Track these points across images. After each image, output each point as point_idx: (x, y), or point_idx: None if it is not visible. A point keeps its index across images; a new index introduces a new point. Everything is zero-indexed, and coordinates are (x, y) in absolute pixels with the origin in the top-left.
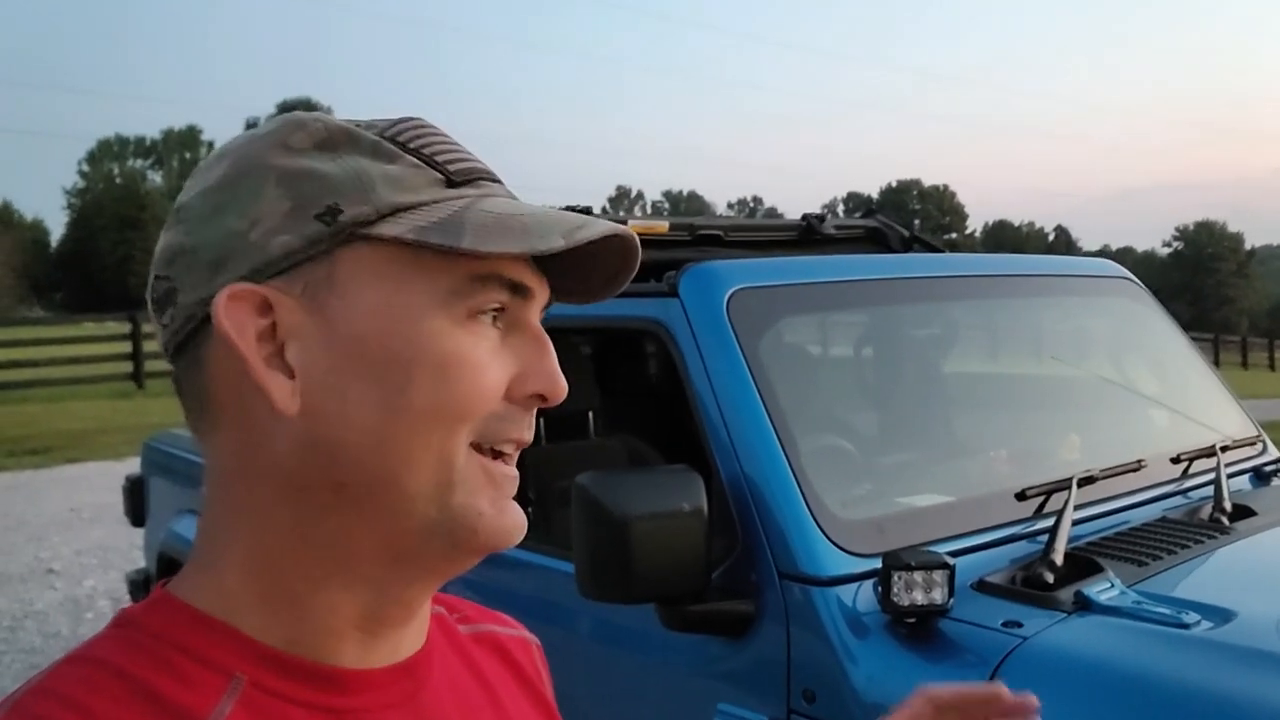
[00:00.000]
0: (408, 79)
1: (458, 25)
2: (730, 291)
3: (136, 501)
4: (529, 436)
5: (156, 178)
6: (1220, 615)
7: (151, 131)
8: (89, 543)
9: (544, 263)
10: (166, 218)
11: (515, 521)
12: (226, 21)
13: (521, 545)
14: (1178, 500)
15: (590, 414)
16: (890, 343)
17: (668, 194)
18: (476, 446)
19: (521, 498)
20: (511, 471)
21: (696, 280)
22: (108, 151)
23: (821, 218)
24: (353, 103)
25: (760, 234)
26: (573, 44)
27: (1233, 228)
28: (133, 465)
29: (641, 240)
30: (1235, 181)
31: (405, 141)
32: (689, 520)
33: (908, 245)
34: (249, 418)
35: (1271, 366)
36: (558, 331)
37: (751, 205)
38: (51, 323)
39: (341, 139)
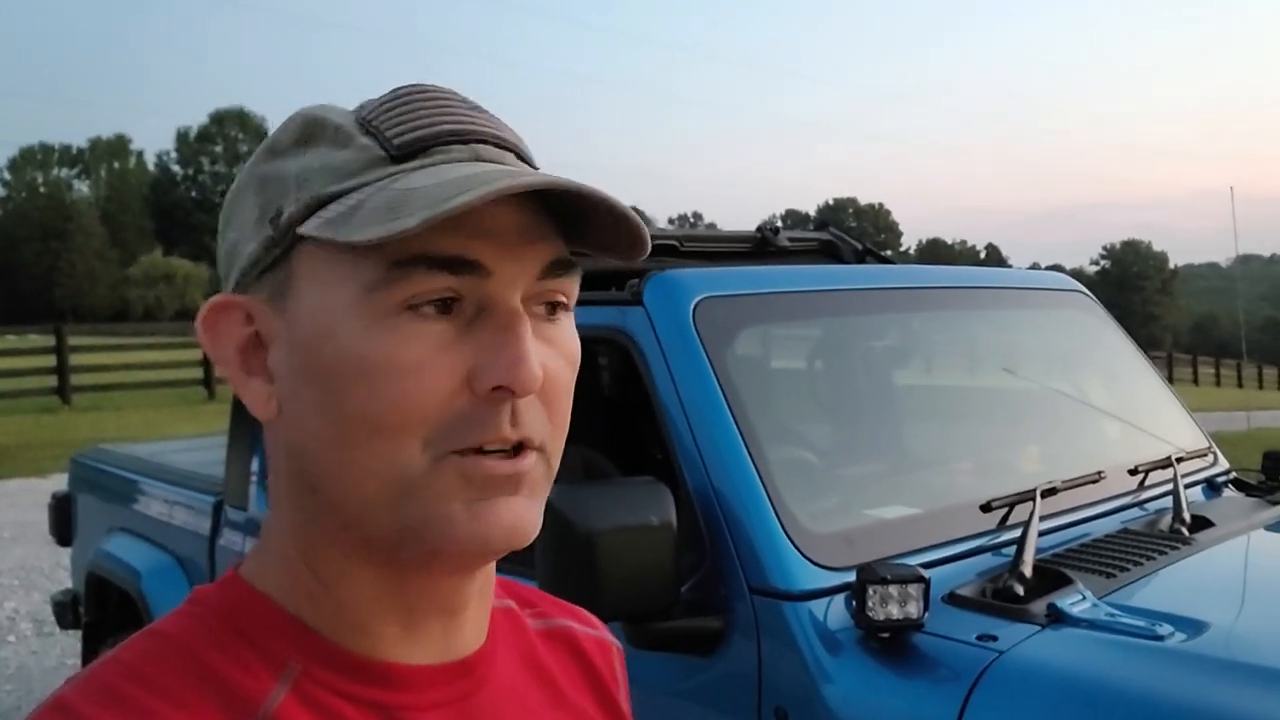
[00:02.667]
0: (337, 85)
1: (381, 33)
2: (696, 300)
3: (63, 519)
4: (515, 433)
5: (83, 187)
6: (1193, 627)
7: (78, 139)
8: (10, 562)
9: (567, 225)
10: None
11: (501, 522)
12: (160, 27)
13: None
14: (1136, 512)
15: None
16: (852, 353)
17: None
18: (459, 450)
19: None
20: (501, 469)
21: (662, 288)
22: (31, 159)
23: (776, 230)
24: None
25: (715, 245)
26: (511, 57)
27: (1157, 247)
28: (58, 482)
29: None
30: (1158, 202)
31: (372, 118)
32: (657, 534)
33: (860, 258)
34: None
35: (1195, 381)
36: None
37: (691, 220)
38: None
39: (315, 131)
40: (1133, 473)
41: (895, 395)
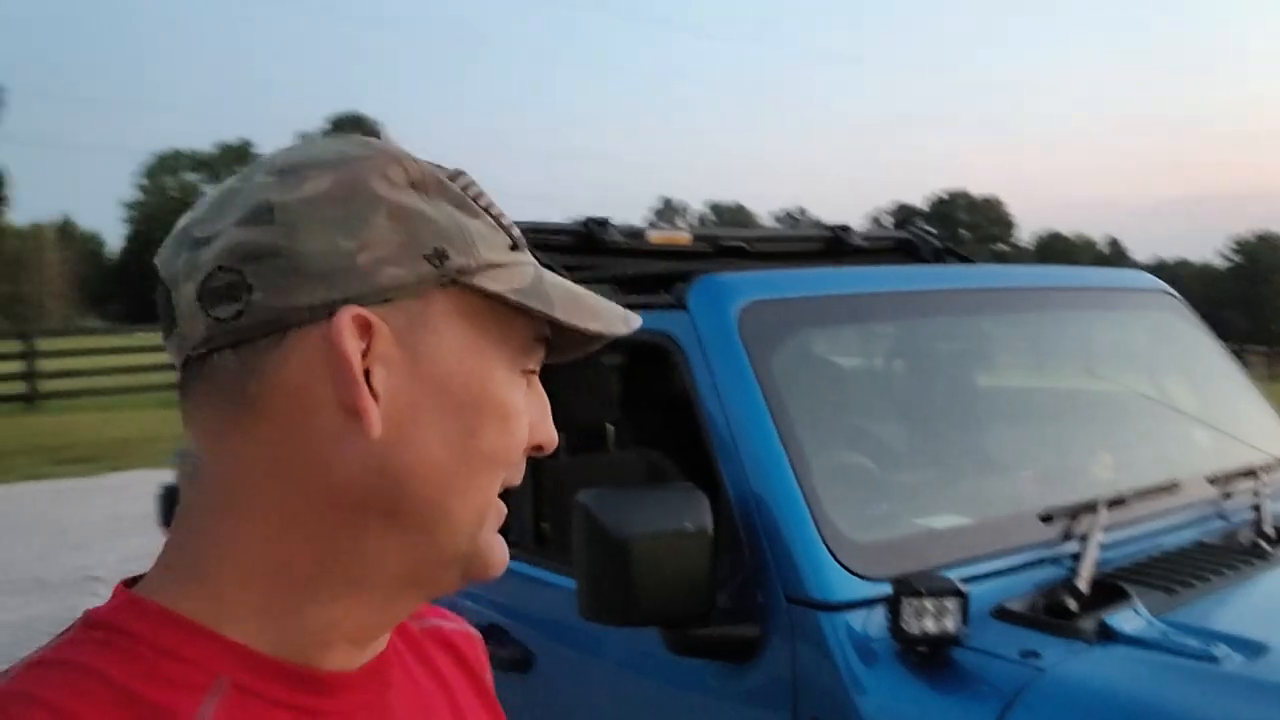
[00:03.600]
0: (455, 95)
1: (503, 41)
2: (741, 304)
3: (171, 510)
4: (519, 481)
5: (210, 191)
6: (1252, 649)
7: (205, 146)
8: (131, 550)
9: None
10: (237, 209)
11: (507, 554)
12: (277, 37)
13: (540, 563)
14: (1214, 524)
15: (609, 427)
16: (910, 357)
17: (713, 206)
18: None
19: (539, 511)
20: (503, 509)
21: (706, 292)
22: (164, 165)
23: (848, 229)
24: (403, 118)
25: (786, 245)
26: (620, 59)
27: None
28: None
29: (663, 252)
30: None
31: (475, 197)
32: (692, 540)
33: (940, 257)
34: (308, 432)
35: None
36: None
37: (796, 216)
38: (105, 333)
39: (433, 185)
40: (1212, 482)
41: (956, 400)
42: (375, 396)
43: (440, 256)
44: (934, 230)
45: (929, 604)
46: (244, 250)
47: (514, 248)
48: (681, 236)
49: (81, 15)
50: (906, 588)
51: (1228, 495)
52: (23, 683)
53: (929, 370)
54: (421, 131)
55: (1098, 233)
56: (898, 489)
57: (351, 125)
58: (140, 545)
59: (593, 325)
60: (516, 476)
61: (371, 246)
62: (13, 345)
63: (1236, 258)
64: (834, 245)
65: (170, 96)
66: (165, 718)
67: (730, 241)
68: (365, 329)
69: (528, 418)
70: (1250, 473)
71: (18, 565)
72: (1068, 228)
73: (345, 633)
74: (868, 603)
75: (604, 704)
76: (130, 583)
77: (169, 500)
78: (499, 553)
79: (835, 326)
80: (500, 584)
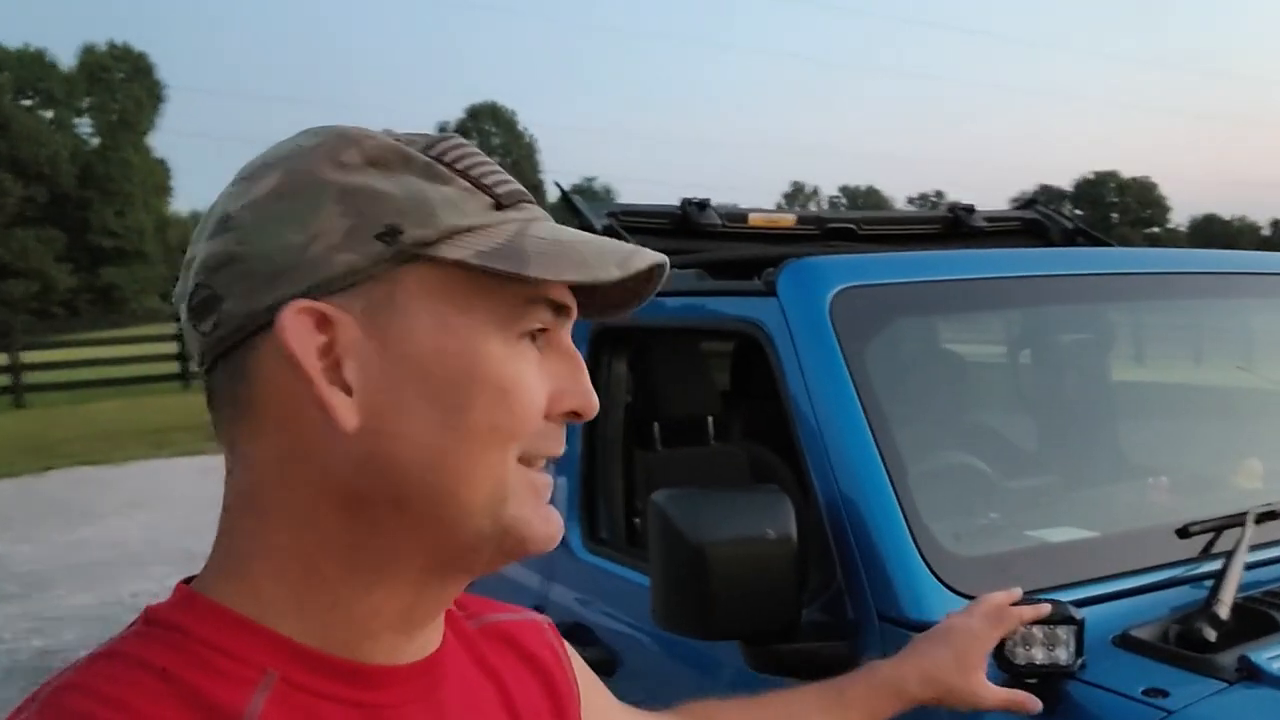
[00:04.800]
0: (588, 83)
1: (637, 29)
2: (835, 290)
3: None
4: (561, 449)
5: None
6: None
7: None
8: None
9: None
10: (208, 225)
11: (558, 525)
12: (421, 29)
13: (629, 563)
14: None
15: (710, 419)
16: (1029, 348)
17: (844, 189)
18: (522, 459)
19: (631, 507)
20: (548, 479)
21: (797, 278)
22: None
23: (970, 209)
24: (536, 107)
25: (900, 227)
26: (755, 42)
27: None
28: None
29: (766, 234)
30: None
31: (452, 162)
32: (775, 548)
33: (1071, 238)
34: (301, 429)
35: None
36: (666, 332)
37: (933, 199)
38: None
39: (394, 158)
40: None
41: (1079, 398)
42: (350, 388)
43: (394, 232)
44: (1069, 212)
45: (1038, 631)
46: (210, 263)
47: (500, 206)
48: (785, 218)
49: (235, 11)
50: None
51: None
52: (84, 676)
53: (1049, 363)
54: (558, 122)
55: (1262, 215)
56: (1010, 496)
57: (488, 114)
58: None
59: (571, 276)
60: (546, 447)
61: (321, 236)
62: (174, 328)
63: None
64: (953, 226)
65: (319, 90)
66: (218, 711)
67: (838, 223)
68: (323, 321)
69: (540, 385)
70: None
71: (169, 538)
72: (1227, 210)
73: (387, 622)
74: None
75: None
76: (189, 580)
77: None
78: (538, 526)
79: (941, 315)
80: (588, 582)
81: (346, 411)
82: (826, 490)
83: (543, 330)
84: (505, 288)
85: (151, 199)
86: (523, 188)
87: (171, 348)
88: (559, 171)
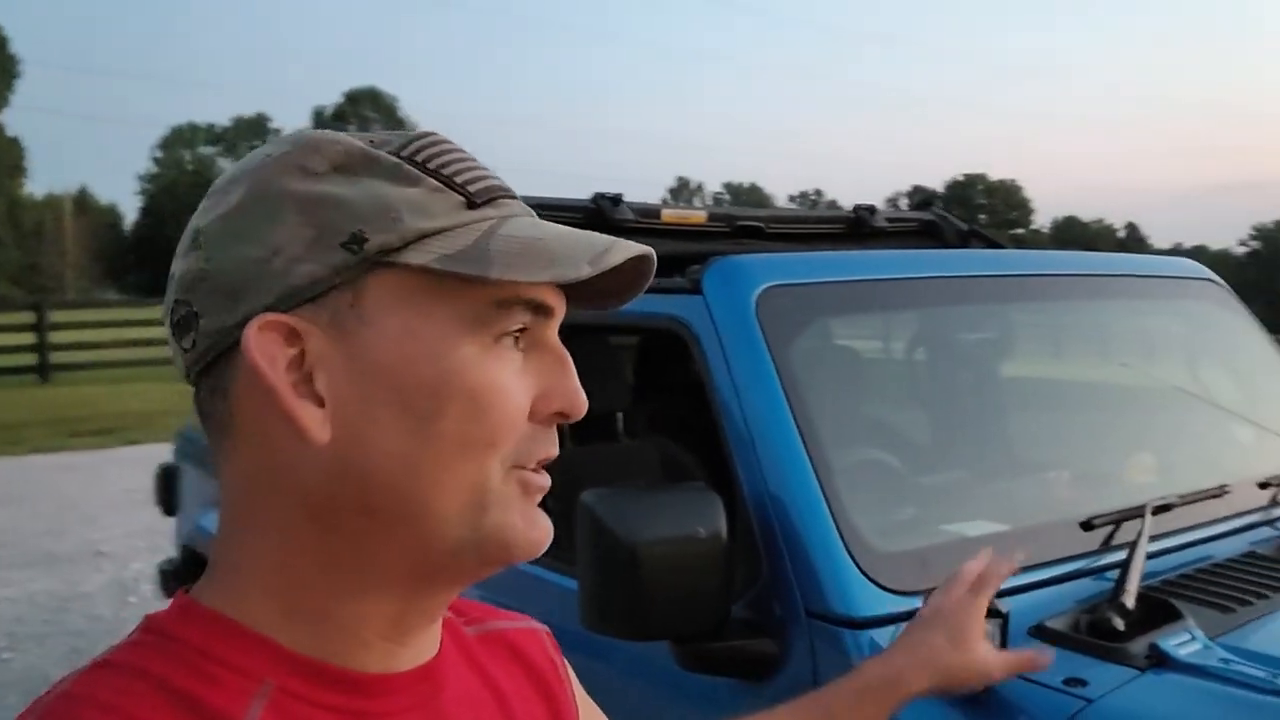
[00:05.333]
0: (474, 71)
1: (525, 16)
2: (760, 289)
3: (168, 490)
4: (555, 451)
5: (226, 164)
6: None
7: (221, 119)
8: (139, 525)
9: None
10: (185, 240)
11: (546, 530)
12: (295, 10)
13: (540, 563)
14: (1266, 532)
15: (620, 415)
16: (939, 348)
17: (729, 185)
18: (519, 465)
19: (544, 504)
20: (544, 480)
21: (722, 276)
22: (180, 138)
23: (872, 210)
24: (418, 93)
25: (806, 226)
26: (641, 35)
27: None
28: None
29: (677, 231)
30: None
31: (424, 161)
32: (706, 547)
33: (965, 240)
34: (274, 444)
35: None
36: (581, 329)
37: (813, 198)
38: (120, 305)
39: (360, 162)
40: (1264, 486)
41: (987, 396)
42: (322, 400)
43: (358, 241)
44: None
45: None
46: (185, 280)
47: (472, 205)
48: (696, 215)
49: None
50: None
51: (1277, 501)
52: (82, 684)
53: (957, 361)
54: (439, 109)
55: (1117, 218)
56: (925, 492)
57: (367, 100)
58: (149, 520)
59: (538, 275)
60: (536, 451)
61: (284, 248)
62: (26, 317)
63: (1255, 244)
64: (856, 226)
65: (186, 69)
66: (215, 719)
67: (747, 221)
68: (292, 334)
69: (520, 387)
70: None
71: (26, 538)
72: (1086, 212)
73: (378, 630)
74: (896, 619)
75: (612, 717)
76: (188, 588)
77: (166, 480)
78: (521, 533)
79: (858, 314)
80: (501, 583)
81: (316, 424)
82: (753, 487)
83: (522, 331)
84: (473, 291)
85: (4, 180)
86: (501, 183)
87: (28, 338)
88: None
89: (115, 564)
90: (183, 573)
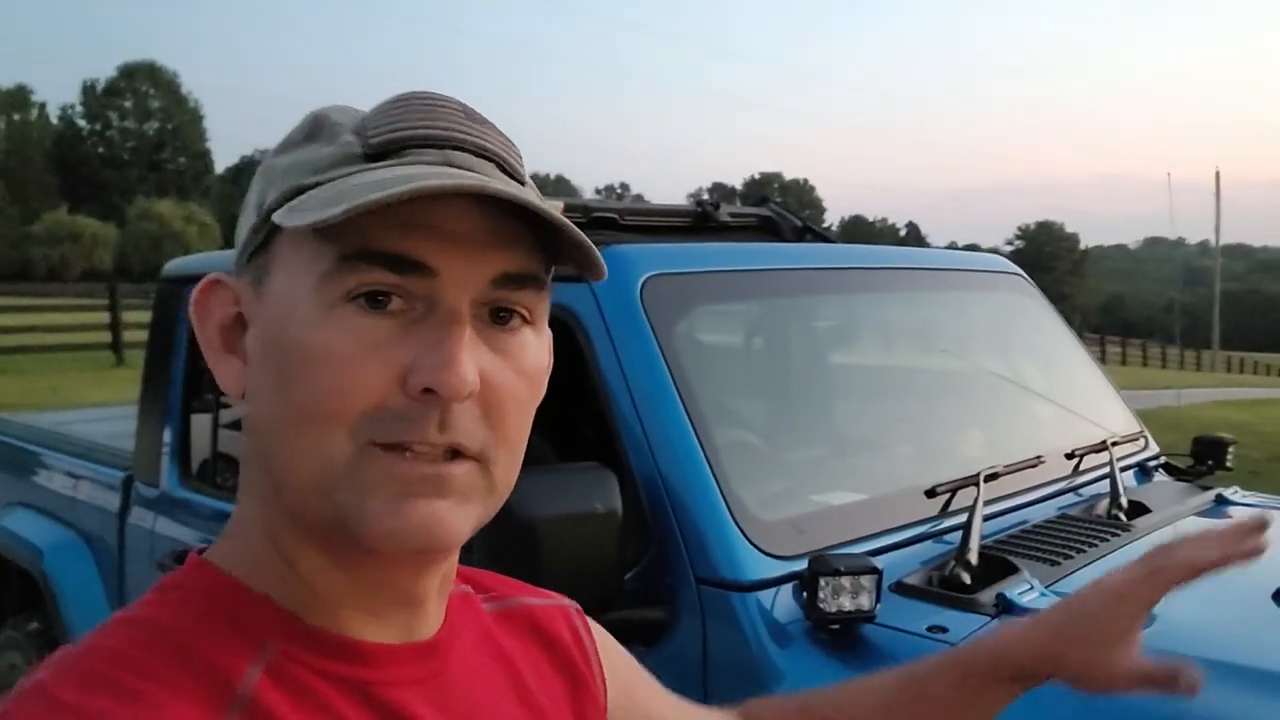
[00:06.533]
0: (261, 48)
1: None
2: (644, 278)
3: None
4: (442, 438)
5: None
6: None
7: None
8: None
9: (544, 239)
10: None
11: (417, 520)
12: None
13: None
14: (1072, 497)
15: None
16: (796, 334)
17: (534, 176)
18: (385, 444)
19: None
20: (423, 470)
21: (608, 265)
22: None
23: (716, 204)
24: (201, 70)
25: (656, 219)
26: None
27: (1069, 229)
28: None
29: None
30: (1070, 185)
31: (368, 119)
32: (601, 522)
33: (800, 235)
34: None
35: (1103, 359)
36: None
37: (619, 192)
38: None
39: (317, 129)
40: (1069, 457)
41: (837, 377)
42: (246, 357)
43: (263, 203)
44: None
45: (846, 582)
46: None
47: (370, 158)
48: (554, 204)
49: None
50: (825, 566)
51: (1080, 470)
52: (95, 639)
53: (809, 348)
54: (233, 85)
55: (899, 217)
56: (793, 466)
57: (145, 74)
58: None
59: (303, 219)
60: (404, 431)
61: (245, 216)
62: None
63: (1020, 243)
64: (702, 220)
65: None
66: (218, 676)
67: (602, 213)
68: (229, 295)
69: (367, 356)
70: (1101, 448)
71: None
72: (871, 212)
73: (339, 594)
74: (777, 581)
75: None
76: (202, 550)
77: None
78: (375, 521)
79: (731, 302)
80: None
81: (231, 378)
82: (642, 465)
83: (393, 292)
84: (323, 248)
85: None
86: (436, 134)
87: None
88: (229, 140)
89: None
90: None
